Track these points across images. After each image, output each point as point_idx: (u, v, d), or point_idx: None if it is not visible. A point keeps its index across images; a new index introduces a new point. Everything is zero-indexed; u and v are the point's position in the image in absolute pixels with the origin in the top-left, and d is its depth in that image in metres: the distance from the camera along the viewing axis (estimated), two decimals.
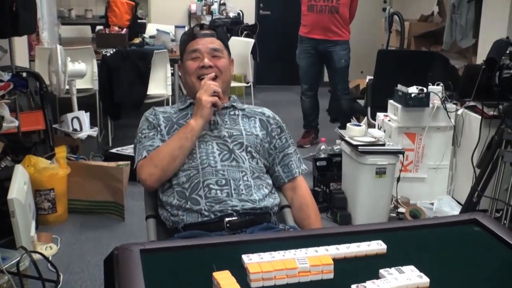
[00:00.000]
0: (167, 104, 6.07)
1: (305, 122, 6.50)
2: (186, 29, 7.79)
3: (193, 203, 2.21)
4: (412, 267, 1.54)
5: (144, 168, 2.30)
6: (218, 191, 2.22)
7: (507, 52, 3.56)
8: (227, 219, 2.18)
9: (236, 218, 2.19)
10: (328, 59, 6.26)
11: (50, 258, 3.60)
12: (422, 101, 4.53)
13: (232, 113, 2.47)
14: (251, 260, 1.55)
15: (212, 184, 2.23)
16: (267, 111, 2.54)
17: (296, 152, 2.54)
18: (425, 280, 1.50)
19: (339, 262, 1.59)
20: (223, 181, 2.24)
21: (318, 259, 1.55)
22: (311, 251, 1.61)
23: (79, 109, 5.41)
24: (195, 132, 2.29)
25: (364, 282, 1.47)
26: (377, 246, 1.68)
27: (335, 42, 6.14)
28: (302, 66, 6.40)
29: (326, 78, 9.53)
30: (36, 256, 3.32)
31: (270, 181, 2.41)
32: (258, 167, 2.36)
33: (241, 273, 1.50)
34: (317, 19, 6.11)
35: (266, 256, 1.56)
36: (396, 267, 1.54)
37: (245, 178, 2.28)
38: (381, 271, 1.53)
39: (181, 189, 2.26)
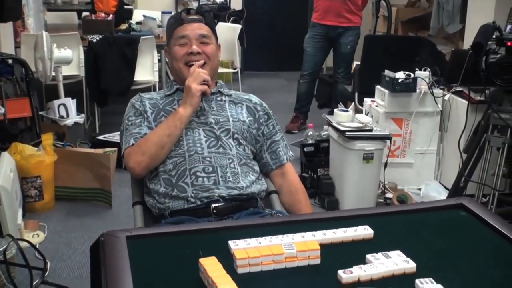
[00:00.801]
0: (154, 90, 6.04)
1: (297, 105, 6.49)
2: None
3: (179, 191, 2.21)
4: (398, 252, 1.55)
5: (132, 156, 2.29)
6: (205, 179, 2.21)
7: (493, 36, 3.56)
8: (213, 205, 2.18)
9: (222, 204, 2.19)
10: (336, 44, 6.27)
11: (37, 246, 3.59)
12: (409, 87, 4.54)
13: (219, 98, 2.45)
14: (237, 246, 1.54)
15: (199, 172, 2.23)
16: (254, 98, 2.52)
17: (283, 138, 2.53)
18: (412, 265, 1.50)
19: (325, 248, 1.59)
20: (210, 168, 2.24)
21: (304, 244, 1.55)
22: (297, 237, 1.61)
23: (66, 95, 5.38)
24: (184, 120, 2.27)
25: (351, 267, 1.47)
26: (364, 231, 1.69)
27: (346, 28, 6.15)
28: (309, 51, 6.37)
29: None
30: (23, 244, 3.31)
31: (257, 168, 2.41)
32: (245, 153, 2.36)
33: (227, 259, 1.50)
34: (329, 5, 6.10)
35: (253, 242, 1.56)
36: (383, 252, 1.54)
37: (232, 165, 2.27)
38: (368, 256, 1.53)
39: (167, 177, 2.25)
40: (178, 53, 2.39)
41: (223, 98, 2.46)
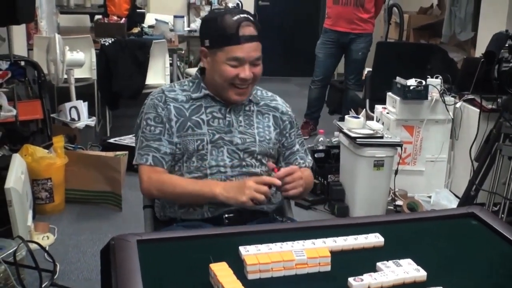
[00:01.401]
0: None
1: (307, 111, 6.49)
2: (185, 19, 7.80)
3: (195, 208, 2.20)
4: (409, 260, 1.55)
5: (146, 182, 2.22)
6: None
7: (506, 45, 3.55)
8: (226, 215, 2.17)
9: (234, 214, 2.18)
10: (348, 50, 6.26)
11: (47, 248, 3.59)
12: (420, 94, 4.52)
13: (247, 108, 2.32)
14: (248, 251, 1.55)
15: None
16: (281, 105, 2.42)
17: (303, 144, 2.47)
18: (422, 273, 1.50)
19: (336, 255, 1.59)
20: None
21: (315, 251, 1.55)
22: (308, 243, 1.61)
23: (77, 98, 5.40)
24: (213, 200, 2.13)
25: (362, 275, 1.47)
26: (375, 239, 1.69)
27: (358, 34, 6.14)
28: (320, 56, 6.36)
29: None
30: (33, 246, 3.32)
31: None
32: (267, 172, 2.29)
33: (238, 265, 1.50)
34: (342, 12, 6.09)
35: (264, 248, 1.56)
36: (394, 260, 1.54)
37: None
38: (379, 264, 1.53)
39: None
40: (227, 73, 2.16)
41: (252, 107, 2.34)
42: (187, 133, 2.22)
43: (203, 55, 2.25)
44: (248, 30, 2.15)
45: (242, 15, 2.16)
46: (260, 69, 2.23)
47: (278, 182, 2.06)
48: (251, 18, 2.19)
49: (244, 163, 2.25)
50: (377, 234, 1.70)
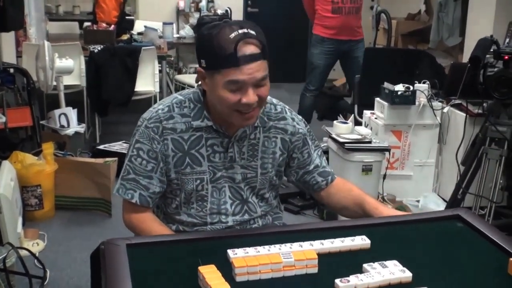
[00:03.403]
0: (155, 102, 6.06)
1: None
2: (174, 26, 7.80)
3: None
4: (395, 262, 1.57)
5: (125, 218, 2.10)
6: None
7: (491, 50, 3.59)
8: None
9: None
10: (348, 58, 6.21)
11: (37, 255, 3.60)
12: (408, 99, 4.55)
13: (252, 137, 2.07)
14: (236, 254, 1.56)
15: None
16: (290, 125, 2.14)
17: (321, 155, 2.25)
18: (408, 274, 1.52)
19: (323, 257, 1.61)
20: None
21: (302, 253, 1.57)
22: (296, 246, 1.63)
23: (67, 105, 5.39)
24: None
25: (348, 276, 1.49)
26: (361, 241, 1.71)
27: (358, 40, 6.16)
28: (319, 66, 6.23)
29: None
30: (22, 253, 3.32)
31: (278, 207, 2.28)
32: (268, 205, 2.18)
33: (226, 267, 1.52)
34: (346, 21, 6.01)
35: (251, 251, 1.58)
36: (380, 262, 1.56)
37: (252, 223, 2.14)
38: (365, 265, 1.55)
39: (182, 227, 2.11)
40: (227, 100, 1.87)
41: (257, 134, 2.09)
42: (186, 171, 2.02)
43: (201, 77, 1.96)
44: (249, 48, 1.83)
45: (240, 31, 1.83)
46: (267, 90, 1.93)
47: None
48: (252, 32, 1.85)
49: (246, 207, 2.10)
50: (364, 237, 1.72)
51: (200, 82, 2.02)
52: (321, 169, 2.22)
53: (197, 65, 2.00)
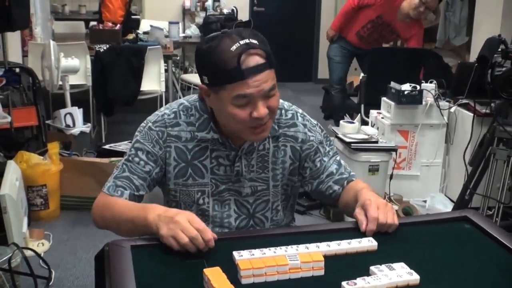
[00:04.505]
0: (161, 101, 6.07)
1: (336, 117, 6.49)
2: (180, 25, 7.79)
3: None
4: (402, 264, 1.55)
5: (93, 205, 1.99)
6: None
7: (499, 49, 3.56)
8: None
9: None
10: (364, 55, 6.22)
11: (42, 255, 3.60)
12: (415, 99, 4.54)
13: (261, 148, 1.98)
14: (241, 256, 1.55)
15: None
16: (301, 132, 2.03)
17: (338, 162, 2.10)
18: (416, 277, 1.50)
19: (329, 259, 1.59)
20: None
21: (308, 255, 1.55)
22: (302, 248, 1.61)
23: (72, 105, 5.40)
24: (147, 231, 1.73)
25: (355, 279, 1.47)
26: (368, 243, 1.69)
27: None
28: (337, 61, 6.44)
29: (320, 75, 9.60)
30: (28, 253, 3.32)
31: (291, 221, 2.19)
32: (280, 219, 2.09)
33: (232, 270, 1.50)
34: (364, 45, 6.19)
35: (257, 253, 1.57)
36: (387, 264, 1.54)
37: None
38: (372, 268, 1.54)
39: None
40: (237, 117, 1.78)
41: (267, 145, 1.99)
42: (187, 182, 1.95)
43: (205, 94, 1.86)
44: (253, 60, 1.73)
45: (242, 42, 1.73)
46: (277, 100, 1.83)
47: (211, 240, 1.62)
48: (254, 41, 1.75)
49: (252, 221, 2.02)
50: (371, 238, 1.71)
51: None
52: (337, 177, 2.07)
53: None
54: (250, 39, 1.75)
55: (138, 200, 1.93)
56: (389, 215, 1.77)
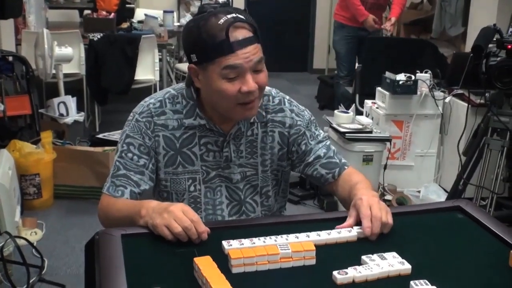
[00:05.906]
0: (155, 90, 6.04)
1: (337, 106, 6.47)
2: (175, 14, 7.76)
3: None
4: (394, 254, 1.54)
5: (99, 206, 1.94)
6: None
7: (494, 39, 3.55)
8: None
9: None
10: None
11: (35, 244, 3.59)
12: (410, 89, 4.53)
13: (250, 133, 1.98)
14: (231, 246, 1.54)
15: None
16: (289, 117, 2.02)
17: (327, 147, 2.07)
18: (407, 266, 1.50)
19: (321, 249, 1.58)
20: None
21: (300, 245, 1.54)
22: (292, 237, 1.60)
23: (66, 93, 5.38)
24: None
25: (346, 268, 1.47)
26: (359, 231, 1.68)
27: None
28: (342, 52, 6.44)
29: (316, 65, 9.59)
30: (20, 242, 3.30)
31: (284, 206, 2.19)
32: (270, 205, 2.08)
33: (222, 259, 1.49)
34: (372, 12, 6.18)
35: (246, 242, 1.55)
36: (378, 254, 1.54)
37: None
38: (363, 257, 1.53)
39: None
40: (226, 91, 1.77)
41: (255, 130, 1.99)
42: (177, 170, 1.95)
43: (193, 74, 1.87)
44: (241, 33, 1.75)
45: (229, 16, 1.75)
46: (265, 76, 1.83)
47: (204, 232, 1.62)
48: (241, 16, 1.77)
49: (243, 207, 2.02)
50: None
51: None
52: (325, 160, 2.03)
53: None
54: (237, 14, 1.77)
55: (141, 196, 1.92)
56: (382, 214, 1.71)
